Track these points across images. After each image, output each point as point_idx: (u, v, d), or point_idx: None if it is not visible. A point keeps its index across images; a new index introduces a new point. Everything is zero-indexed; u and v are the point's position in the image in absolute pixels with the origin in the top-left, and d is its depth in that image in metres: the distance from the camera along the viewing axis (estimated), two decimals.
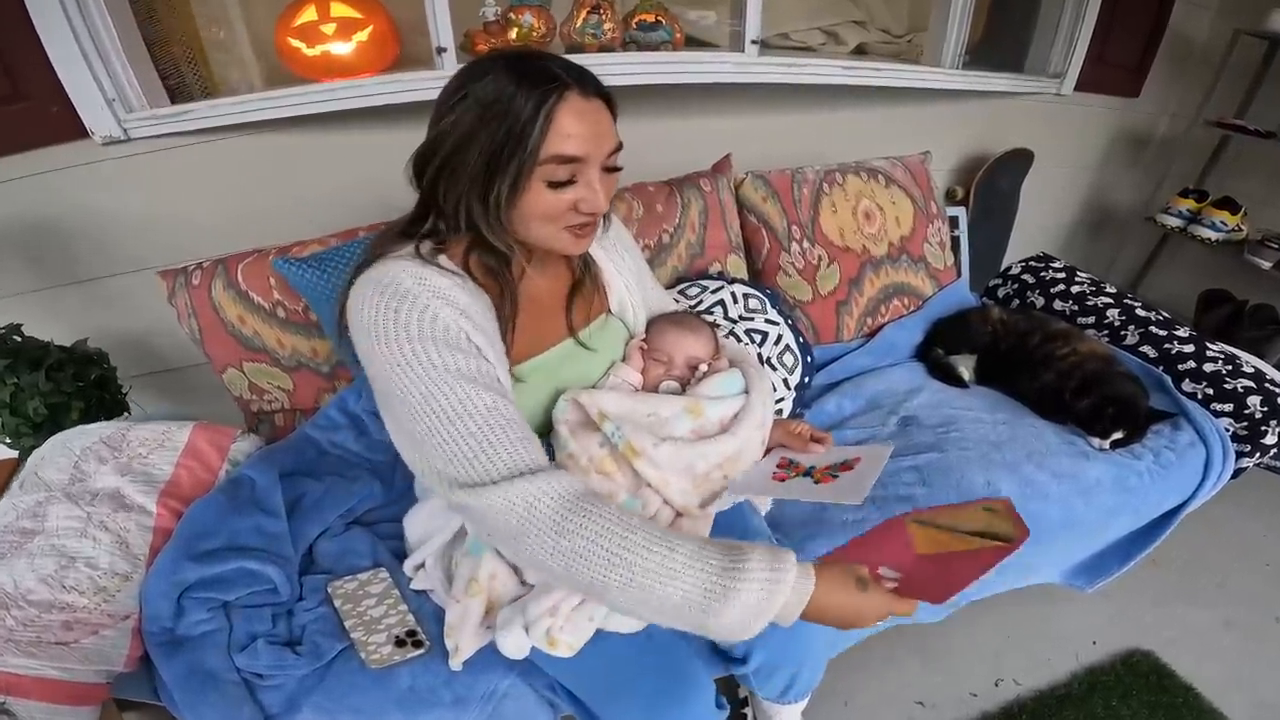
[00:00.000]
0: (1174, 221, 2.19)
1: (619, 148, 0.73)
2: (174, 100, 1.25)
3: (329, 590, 0.94)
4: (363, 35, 1.20)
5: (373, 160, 1.11)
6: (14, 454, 1.19)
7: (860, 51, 1.86)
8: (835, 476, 0.78)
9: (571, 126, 0.66)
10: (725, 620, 0.59)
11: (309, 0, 1.17)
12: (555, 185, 0.68)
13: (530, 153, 0.65)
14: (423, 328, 0.65)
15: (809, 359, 1.28)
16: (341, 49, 1.19)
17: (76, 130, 1.16)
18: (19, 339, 1.14)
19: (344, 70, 1.22)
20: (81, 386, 1.16)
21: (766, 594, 0.58)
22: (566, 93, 0.66)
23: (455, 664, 0.80)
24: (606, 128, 0.71)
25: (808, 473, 0.81)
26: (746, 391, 0.88)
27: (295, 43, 1.18)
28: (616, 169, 0.74)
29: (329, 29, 1.17)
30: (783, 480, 0.80)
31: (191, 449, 1.02)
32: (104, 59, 1.13)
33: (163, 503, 0.95)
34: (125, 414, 1.24)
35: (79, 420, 1.13)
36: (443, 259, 0.73)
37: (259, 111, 1.20)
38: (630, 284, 0.95)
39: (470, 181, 0.66)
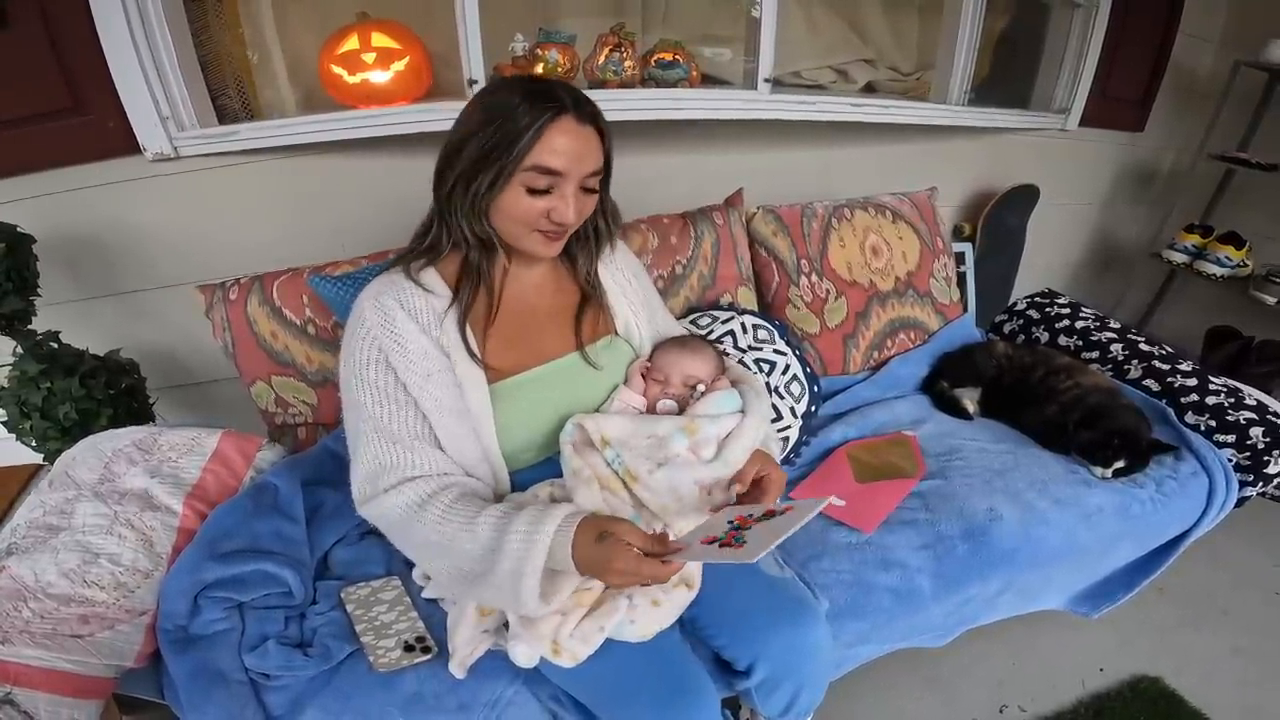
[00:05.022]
0: (1180, 257, 2.20)
1: (599, 172, 0.82)
2: (220, 121, 1.29)
3: (341, 595, 0.96)
4: (400, 65, 1.26)
5: (402, 185, 1.13)
6: (36, 458, 1.22)
7: (869, 89, 1.90)
8: (743, 532, 0.68)
9: (558, 144, 0.75)
10: (501, 570, 0.69)
11: (352, 30, 1.23)
12: (533, 192, 0.77)
13: (515, 157, 0.74)
14: (363, 354, 0.80)
15: (815, 389, 1.30)
16: (380, 78, 1.25)
17: (129, 146, 1.20)
18: (55, 345, 1.18)
19: (381, 98, 1.28)
20: (112, 394, 1.20)
21: (526, 543, 0.68)
22: (562, 114, 0.75)
23: (453, 666, 0.82)
24: (592, 151, 0.79)
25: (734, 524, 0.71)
26: (743, 411, 0.89)
27: (338, 70, 1.24)
28: (594, 191, 0.83)
29: (370, 58, 1.23)
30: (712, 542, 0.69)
31: (219, 455, 1.06)
32: (162, 77, 1.16)
33: (188, 504, 0.98)
34: (150, 423, 1.27)
35: (107, 427, 1.15)
36: (428, 274, 0.84)
37: (302, 135, 1.24)
38: (635, 307, 0.99)
39: (461, 171, 0.77)
